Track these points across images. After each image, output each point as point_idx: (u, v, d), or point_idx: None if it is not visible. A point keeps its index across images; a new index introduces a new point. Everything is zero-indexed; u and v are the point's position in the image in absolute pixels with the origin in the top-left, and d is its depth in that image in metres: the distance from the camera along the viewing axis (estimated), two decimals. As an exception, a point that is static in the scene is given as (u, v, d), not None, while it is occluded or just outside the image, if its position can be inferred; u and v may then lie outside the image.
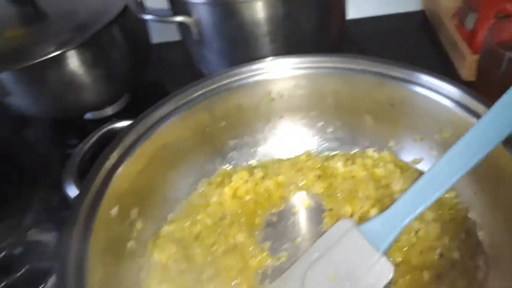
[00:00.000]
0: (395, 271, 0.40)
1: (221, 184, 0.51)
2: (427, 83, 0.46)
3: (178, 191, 0.50)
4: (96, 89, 0.63)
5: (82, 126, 0.68)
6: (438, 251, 0.43)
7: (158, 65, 0.75)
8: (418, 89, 0.46)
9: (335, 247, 0.42)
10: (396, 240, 0.41)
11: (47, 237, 0.53)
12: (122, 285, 0.41)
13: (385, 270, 0.40)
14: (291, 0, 0.54)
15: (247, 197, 0.49)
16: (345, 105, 0.51)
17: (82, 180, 0.43)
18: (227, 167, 0.53)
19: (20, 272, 0.50)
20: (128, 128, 0.46)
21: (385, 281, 0.40)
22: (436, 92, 0.45)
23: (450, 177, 0.38)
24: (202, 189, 0.51)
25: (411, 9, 0.79)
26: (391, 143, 0.51)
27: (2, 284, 0.49)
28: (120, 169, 0.43)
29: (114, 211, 0.42)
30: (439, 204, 0.45)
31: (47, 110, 0.64)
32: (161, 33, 0.77)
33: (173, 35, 0.72)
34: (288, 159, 0.53)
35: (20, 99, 0.61)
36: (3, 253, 0.51)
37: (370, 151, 0.52)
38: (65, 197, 0.57)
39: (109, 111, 0.69)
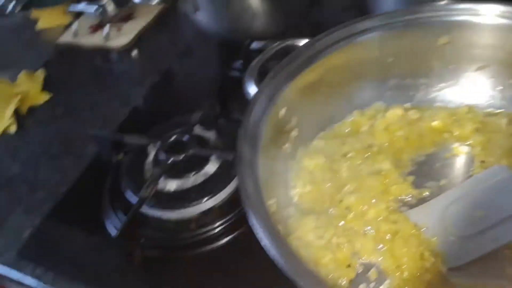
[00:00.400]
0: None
1: (374, 117, 0.53)
2: None
3: (333, 113, 0.53)
4: (266, 19, 0.74)
5: (247, 54, 0.76)
6: None
7: (325, 10, 0.78)
8: None
9: (485, 188, 0.42)
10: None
11: (207, 134, 0.63)
12: (274, 180, 0.46)
13: None
14: None
15: (399, 133, 0.51)
16: (525, 63, 0.48)
17: (260, 82, 0.49)
18: (381, 104, 0.54)
19: (185, 154, 0.59)
20: (308, 44, 0.51)
21: None
22: None
23: None
24: (354, 118, 0.53)
25: None
26: None
27: (171, 160, 0.59)
28: (294, 78, 0.48)
29: (282, 112, 0.48)
30: None
31: (225, 29, 0.75)
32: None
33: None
34: (447, 108, 0.52)
35: (206, 15, 0.73)
36: (174, 137, 0.62)
37: (542, 116, 0.49)
38: (221, 107, 0.66)
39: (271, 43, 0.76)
